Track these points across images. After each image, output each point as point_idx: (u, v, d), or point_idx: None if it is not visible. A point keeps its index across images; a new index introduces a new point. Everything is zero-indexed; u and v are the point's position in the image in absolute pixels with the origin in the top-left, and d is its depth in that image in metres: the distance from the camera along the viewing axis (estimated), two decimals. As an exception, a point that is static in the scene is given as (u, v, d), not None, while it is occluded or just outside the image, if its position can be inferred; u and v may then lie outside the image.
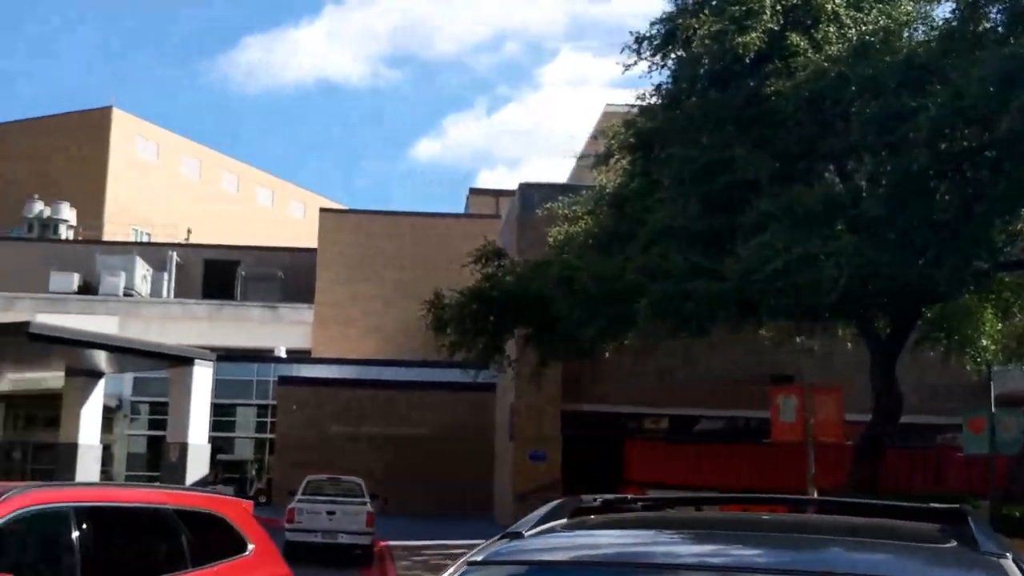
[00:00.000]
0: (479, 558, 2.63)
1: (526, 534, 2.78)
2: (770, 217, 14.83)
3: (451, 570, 2.66)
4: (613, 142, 19.94)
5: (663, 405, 26.25)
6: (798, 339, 19.45)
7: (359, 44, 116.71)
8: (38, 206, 55.21)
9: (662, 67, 17.99)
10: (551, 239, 21.34)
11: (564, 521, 3.01)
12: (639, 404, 26.20)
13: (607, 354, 20.71)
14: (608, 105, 37.48)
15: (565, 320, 18.00)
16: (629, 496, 3.66)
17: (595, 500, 3.44)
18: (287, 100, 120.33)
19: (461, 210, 48.35)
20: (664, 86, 18.18)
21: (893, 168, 15.00)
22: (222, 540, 6.13)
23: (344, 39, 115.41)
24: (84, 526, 5.13)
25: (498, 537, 2.81)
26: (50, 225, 55.03)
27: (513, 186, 34.35)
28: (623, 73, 23.08)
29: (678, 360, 23.68)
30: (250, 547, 6.32)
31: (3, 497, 4.83)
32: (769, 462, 21.68)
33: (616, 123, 20.32)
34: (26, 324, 23.31)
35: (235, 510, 6.43)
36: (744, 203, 15.37)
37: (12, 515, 4.77)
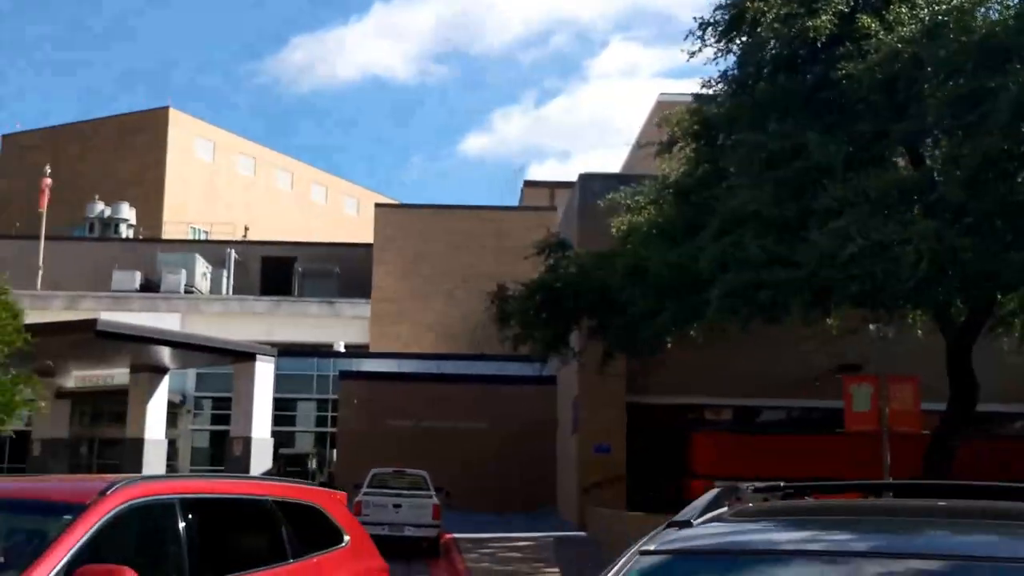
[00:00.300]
0: (651, 547, 2.51)
1: (695, 523, 2.66)
2: (844, 203, 14.53)
3: (622, 560, 2.53)
4: (676, 130, 19.72)
5: (726, 396, 25.97)
6: (871, 327, 19.09)
7: (407, 41, 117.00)
8: (99, 206, 56.16)
9: (727, 53, 17.76)
10: (614, 229, 21.13)
11: (725, 509, 2.89)
12: (703, 395, 25.94)
13: (670, 345, 20.49)
14: (662, 94, 37.16)
15: (633, 311, 17.81)
16: (782, 484, 3.51)
17: (750, 488, 3.31)
18: (337, 98, 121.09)
19: (514, 203, 48.22)
20: (729, 72, 17.94)
21: (971, 151, 14.63)
22: (320, 531, 6.07)
23: (392, 36, 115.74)
24: (189, 518, 5.07)
25: (664, 526, 2.70)
26: (111, 225, 55.94)
27: (564, 178, 34.15)
28: (688, 60, 22.83)
29: (741, 350, 23.37)
30: (346, 538, 6.25)
31: (112, 489, 4.79)
32: (839, 453, 21.34)
33: (680, 110, 20.08)
34: (93, 322, 23.79)
35: (331, 501, 6.37)
36: (817, 189, 15.08)
37: (122, 507, 4.72)
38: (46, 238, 47.31)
